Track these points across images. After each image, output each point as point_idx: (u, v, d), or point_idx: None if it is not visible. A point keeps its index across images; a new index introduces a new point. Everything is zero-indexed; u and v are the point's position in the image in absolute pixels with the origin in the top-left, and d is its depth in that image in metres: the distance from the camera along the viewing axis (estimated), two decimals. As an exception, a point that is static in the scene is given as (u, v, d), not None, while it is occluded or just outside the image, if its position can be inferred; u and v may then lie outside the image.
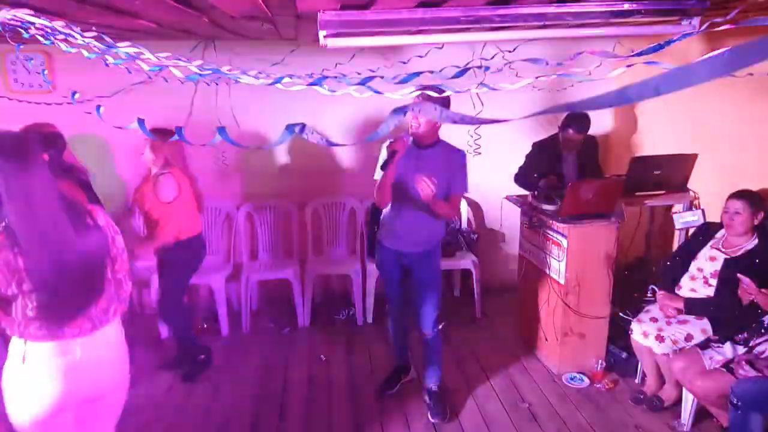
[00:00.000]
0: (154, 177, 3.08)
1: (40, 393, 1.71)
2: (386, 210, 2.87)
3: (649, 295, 3.08)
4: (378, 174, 2.76)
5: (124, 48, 1.47)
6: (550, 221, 3.28)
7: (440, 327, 2.98)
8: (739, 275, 2.55)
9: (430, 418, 2.95)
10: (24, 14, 1.53)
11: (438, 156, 2.73)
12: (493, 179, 4.26)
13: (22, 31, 1.63)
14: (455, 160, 2.76)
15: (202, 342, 3.55)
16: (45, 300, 1.65)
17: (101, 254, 1.80)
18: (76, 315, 1.73)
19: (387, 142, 2.71)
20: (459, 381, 3.33)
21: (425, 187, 2.50)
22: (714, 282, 2.80)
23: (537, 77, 1.30)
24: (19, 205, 1.61)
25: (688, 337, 2.77)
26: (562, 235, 3.19)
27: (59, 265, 1.67)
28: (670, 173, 3.53)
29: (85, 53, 1.53)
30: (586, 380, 3.27)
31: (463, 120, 1.13)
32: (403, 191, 2.72)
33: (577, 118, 3.56)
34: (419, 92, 1.38)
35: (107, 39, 1.47)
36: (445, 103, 2.55)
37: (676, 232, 3.57)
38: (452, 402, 3.09)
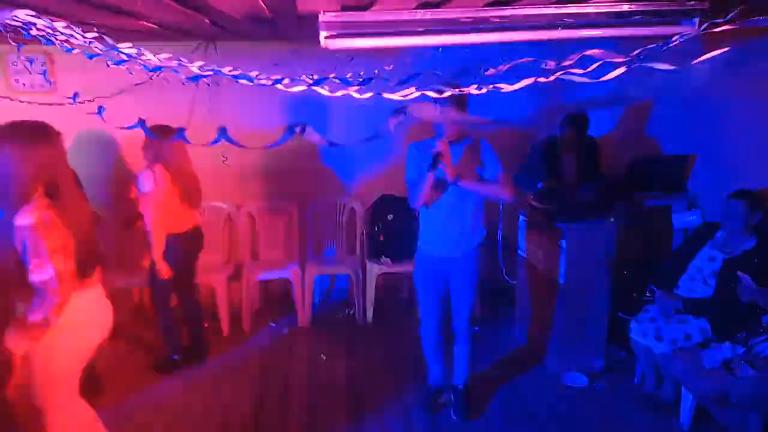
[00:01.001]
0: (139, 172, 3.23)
1: (91, 331, 2.12)
2: (424, 214, 2.84)
3: (648, 295, 3.09)
4: (413, 174, 2.74)
5: (126, 49, 1.47)
6: (550, 221, 3.29)
7: (475, 330, 2.94)
8: (738, 274, 2.56)
9: (452, 416, 2.93)
10: (25, 15, 1.53)
11: (467, 150, 2.73)
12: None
13: (23, 31, 1.64)
14: (481, 148, 2.74)
15: (189, 342, 3.59)
16: (84, 257, 2.01)
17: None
18: (98, 265, 2.16)
19: (420, 145, 2.71)
20: (459, 381, 3.33)
21: (447, 165, 2.55)
22: (713, 282, 2.81)
23: (536, 78, 1.30)
24: (65, 176, 2.02)
25: (687, 337, 2.77)
26: (562, 235, 3.19)
27: (88, 227, 2.10)
28: (669, 173, 3.53)
29: (86, 54, 1.53)
30: (586, 380, 3.27)
31: (463, 120, 1.14)
32: (438, 192, 2.72)
33: (576, 118, 3.56)
34: (426, 92, 1.39)
35: (108, 40, 1.48)
36: (463, 100, 2.51)
37: (675, 232, 3.58)
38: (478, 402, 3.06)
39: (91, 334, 2.14)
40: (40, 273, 1.84)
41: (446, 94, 1.38)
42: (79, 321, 2.04)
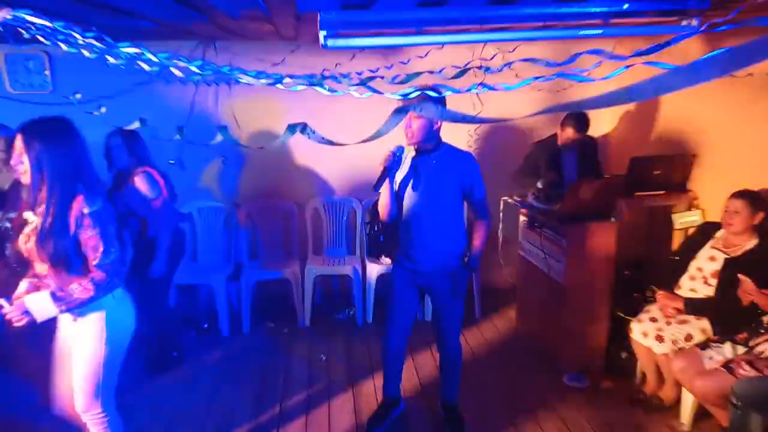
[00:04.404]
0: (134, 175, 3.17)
1: (129, 325, 2.16)
2: (400, 227, 2.66)
3: (648, 295, 3.09)
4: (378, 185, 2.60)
5: (125, 48, 1.47)
6: (550, 221, 3.28)
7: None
8: (739, 276, 2.56)
9: None
10: (25, 14, 1.53)
11: (442, 161, 2.53)
12: (492, 179, 4.26)
13: (23, 31, 1.64)
14: (468, 166, 2.56)
15: (185, 340, 3.66)
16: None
17: None
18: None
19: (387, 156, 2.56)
20: (459, 381, 3.32)
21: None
22: (714, 282, 2.81)
23: (537, 78, 1.30)
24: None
25: (688, 337, 2.78)
26: (562, 235, 3.19)
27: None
28: (670, 173, 3.53)
29: (86, 53, 1.53)
30: (586, 380, 3.27)
31: (464, 119, 1.14)
32: (410, 204, 2.56)
33: (576, 117, 3.56)
34: (418, 92, 1.38)
35: (108, 39, 1.48)
36: (442, 103, 2.44)
37: (676, 232, 3.58)
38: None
39: (128, 329, 2.16)
40: (105, 257, 1.93)
41: (446, 93, 1.38)
42: (122, 314, 2.12)
